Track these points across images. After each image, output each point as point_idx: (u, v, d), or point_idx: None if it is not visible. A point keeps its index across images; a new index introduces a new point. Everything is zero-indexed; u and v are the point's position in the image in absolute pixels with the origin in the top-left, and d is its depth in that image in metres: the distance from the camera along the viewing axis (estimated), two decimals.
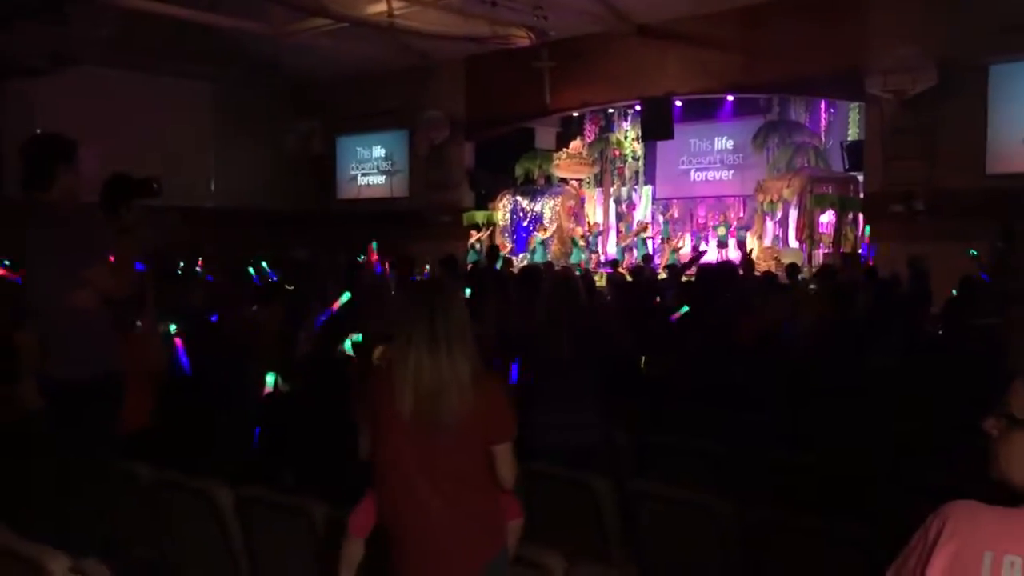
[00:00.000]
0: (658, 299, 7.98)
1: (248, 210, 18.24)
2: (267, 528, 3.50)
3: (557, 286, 5.00)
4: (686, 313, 5.83)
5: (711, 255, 16.97)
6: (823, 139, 17.02)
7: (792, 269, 11.25)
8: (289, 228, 17.92)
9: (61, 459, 3.51)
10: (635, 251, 17.22)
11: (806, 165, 16.18)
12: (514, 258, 17.16)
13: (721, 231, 16.87)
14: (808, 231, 14.98)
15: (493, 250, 12.18)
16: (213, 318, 6.61)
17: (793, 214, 15.55)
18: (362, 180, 20.01)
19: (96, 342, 3.55)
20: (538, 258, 16.22)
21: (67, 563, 2.62)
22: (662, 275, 12.64)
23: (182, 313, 5.94)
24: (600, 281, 12.42)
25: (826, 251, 14.82)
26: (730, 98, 16.92)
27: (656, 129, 15.66)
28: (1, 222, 3.95)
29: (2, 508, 2.99)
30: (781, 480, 3.96)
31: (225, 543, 3.55)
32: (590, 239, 17.49)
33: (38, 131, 14.82)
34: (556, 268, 12.20)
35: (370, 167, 19.85)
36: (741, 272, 8.24)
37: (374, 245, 11.19)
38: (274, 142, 19.16)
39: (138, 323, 4.62)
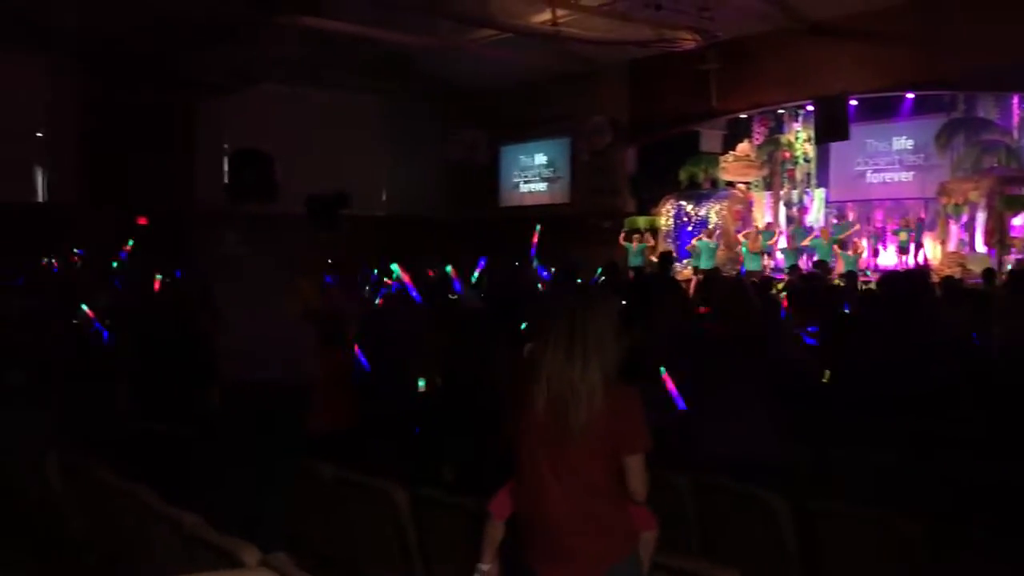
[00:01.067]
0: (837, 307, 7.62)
1: (416, 218, 18.86)
2: (440, 527, 3.58)
3: (727, 293, 4.88)
4: (870, 319, 5.53)
5: (890, 260, 16.14)
6: (1016, 137, 15.82)
7: (988, 274, 10.55)
8: (454, 235, 18.37)
9: (254, 458, 3.70)
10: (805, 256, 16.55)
11: (996, 165, 15.10)
12: (678, 264, 16.89)
13: (903, 236, 15.95)
14: (998, 235, 13.99)
15: (665, 256, 12.00)
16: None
17: (981, 217, 14.57)
18: (524, 187, 20.26)
19: (298, 349, 3.73)
20: (703, 264, 15.87)
21: (258, 556, 2.75)
22: (838, 282, 12.09)
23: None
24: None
25: (1019, 256, 13.78)
26: (910, 96, 16.02)
27: (831, 130, 15.02)
28: (202, 228, 4.21)
29: (199, 501, 3.19)
30: (974, 497, 3.70)
31: (400, 541, 3.65)
32: (761, 243, 16.88)
33: (225, 147, 15.90)
34: (725, 274, 11.92)
35: (533, 174, 20.06)
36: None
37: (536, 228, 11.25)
38: (440, 152, 19.73)
39: (341, 335, 4.86)
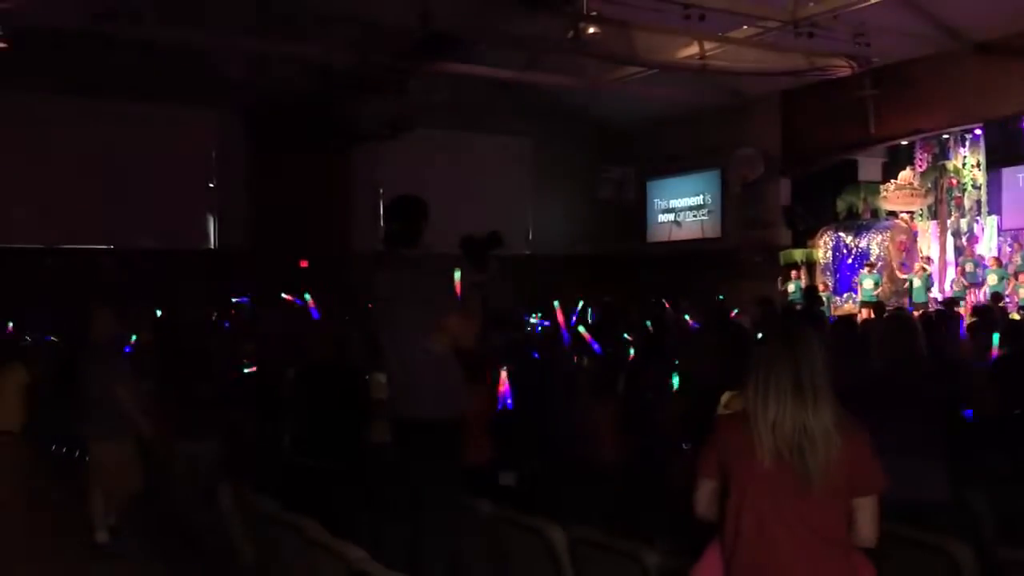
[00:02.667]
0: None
1: (563, 257, 18.95)
2: (597, 569, 3.52)
3: (890, 330, 4.64)
4: None
5: None
6: None
7: None
8: (602, 273, 18.34)
9: (414, 493, 3.78)
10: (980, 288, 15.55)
11: None
12: (837, 298, 16.21)
13: None
14: None
15: (811, 291, 11.57)
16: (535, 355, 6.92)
17: None
18: (673, 222, 20.01)
19: (448, 386, 3.82)
20: (867, 297, 15.17)
21: None
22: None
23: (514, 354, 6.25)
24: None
25: None
26: None
27: (1004, 154, 14.16)
28: (360, 270, 4.38)
29: (363, 538, 3.26)
30: None
31: None
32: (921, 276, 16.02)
33: (380, 192, 16.51)
34: (889, 309, 11.35)
35: (682, 208, 19.81)
36: None
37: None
38: (588, 190, 19.83)
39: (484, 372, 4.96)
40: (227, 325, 12.08)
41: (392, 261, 3.92)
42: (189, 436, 5.71)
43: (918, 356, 4.31)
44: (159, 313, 11.93)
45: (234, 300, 14.01)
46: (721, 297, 13.92)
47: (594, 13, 12.10)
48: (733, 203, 18.26)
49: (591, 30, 12.77)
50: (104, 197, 15.37)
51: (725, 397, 4.22)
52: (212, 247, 17.26)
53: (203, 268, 15.91)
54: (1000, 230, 17.13)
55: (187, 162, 16.57)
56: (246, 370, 7.82)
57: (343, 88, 15.32)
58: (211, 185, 17.16)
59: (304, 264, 16.65)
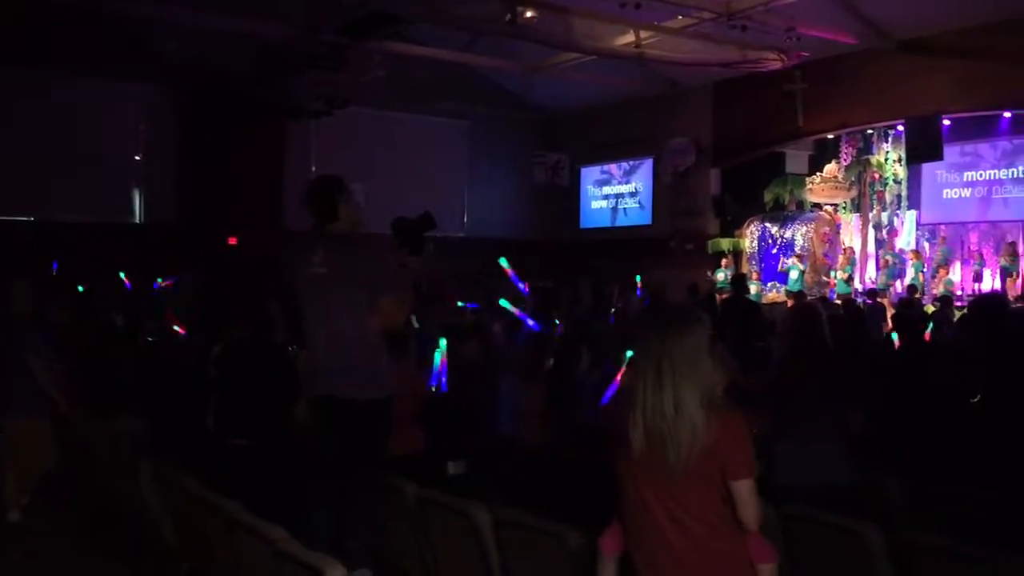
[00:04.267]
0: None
1: (496, 240, 18.96)
2: (523, 549, 3.56)
3: (798, 317, 4.79)
4: (967, 348, 5.34)
5: (989, 286, 15.57)
6: None
7: None
8: (535, 257, 18.42)
9: (339, 474, 3.76)
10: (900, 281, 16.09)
11: None
12: (762, 286, 16.58)
13: (1005, 261, 15.34)
14: None
15: (738, 278, 11.83)
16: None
17: None
18: (606, 209, 20.20)
19: (376, 367, 3.80)
20: (792, 287, 15.56)
21: (343, 572, 2.77)
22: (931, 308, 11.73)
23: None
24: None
25: None
26: (1007, 115, 15.46)
27: (923, 151, 14.58)
28: (289, 248, 4.31)
29: (285, 518, 3.24)
30: None
31: (483, 562, 3.64)
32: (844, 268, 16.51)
33: (313, 170, 16.31)
34: (806, 298, 11.66)
35: (614, 196, 20.01)
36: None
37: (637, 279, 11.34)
38: (522, 174, 19.86)
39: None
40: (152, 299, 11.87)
41: (323, 240, 3.87)
42: (110, 413, 5.59)
43: (823, 344, 4.43)
44: (80, 288, 11.61)
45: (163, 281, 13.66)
46: (639, 279, 14.11)
47: None
48: (664, 192, 18.50)
49: (528, 14, 12.76)
50: (26, 168, 14.81)
51: (623, 377, 4.31)
52: (137, 222, 16.83)
53: (127, 243, 15.48)
54: (919, 224, 17.73)
55: (113, 135, 16.08)
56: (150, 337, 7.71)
57: (278, 63, 15.04)
58: (137, 159, 16.71)
59: (233, 241, 16.35)
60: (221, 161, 16.11)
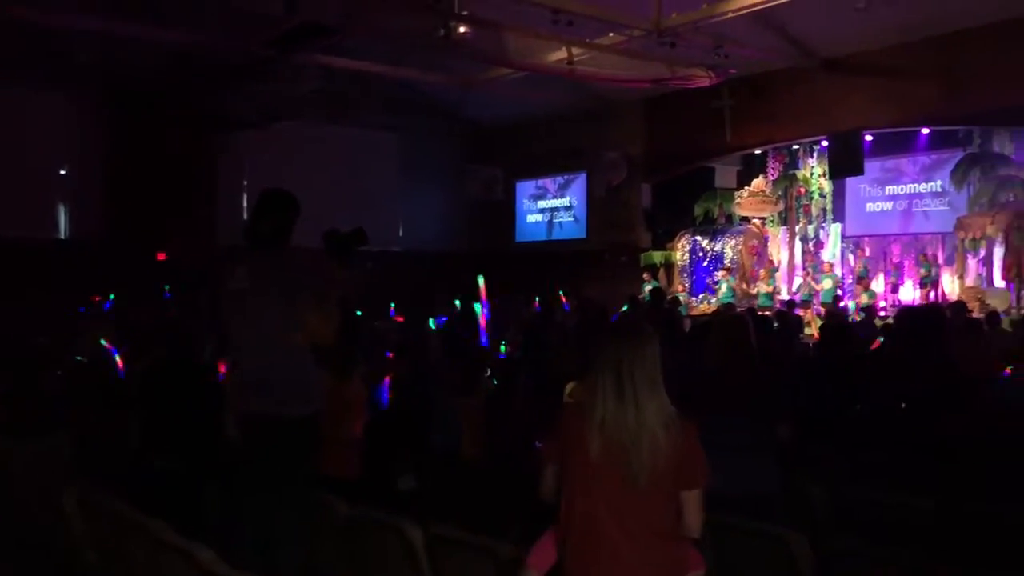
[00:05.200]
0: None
1: (432, 254, 18.95)
2: (455, 565, 3.55)
3: (725, 328, 4.85)
4: (889, 358, 5.50)
5: (911, 296, 16.08)
6: None
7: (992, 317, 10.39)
8: (471, 271, 18.41)
9: (265, 489, 3.71)
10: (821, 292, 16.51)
11: (1012, 199, 15.05)
12: (693, 299, 16.85)
13: (924, 272, 15.87)
14: (1016, 270, 13.87)
15: (657, 291, 12.03)
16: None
17: (998, 252, 14.48)
18: (541, 223, 20.34)
19: (304, 383, 3.76)
20: (724, 299, 15.85)
21: None
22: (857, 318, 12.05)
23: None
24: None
25: None
26: (925, 131, 16.03)
27: (845, 165, 15.02)
28: (218, 262, 4.24)
29: (210, 531, 3.19)
30: (1004, 539, 3.63)
31: None
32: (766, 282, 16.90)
33: (244, 184, 16.02)
34: (735, 310, 11.89)
35: (548, 210, 20.15)
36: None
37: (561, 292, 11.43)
38: (457, 188, 19.88)
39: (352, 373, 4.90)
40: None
41: (252, 254, 3.82)
42: (32, 432, 5.41)
43: (750, 354, 4.52)
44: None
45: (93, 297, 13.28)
46: (562, 292, 14.24)
47: (465, 13, 12.15)
48: (598, 205, 18.71)
49: (462, 29, 12.81)
50: None
51: (569, 387, 4.33)
52: (63, 237, 16.36)
53: (52, 259, 15.04)
54: (844, 237, 18.24)
55: (37, 148, 15.60)
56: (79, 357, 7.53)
57: (208, 75, 14.81)
58: (63, 172, 16.26)
59: (162, 257, 16.01)
60: (150, 174, 15.79)
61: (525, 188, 20.66)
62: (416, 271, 17.58)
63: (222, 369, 5.08)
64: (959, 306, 9.63)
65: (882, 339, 8.18)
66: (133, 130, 15.80)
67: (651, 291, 12.71)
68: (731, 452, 4.23)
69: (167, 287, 13.60)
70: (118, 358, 7.50)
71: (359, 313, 10.08)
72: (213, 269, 4.06)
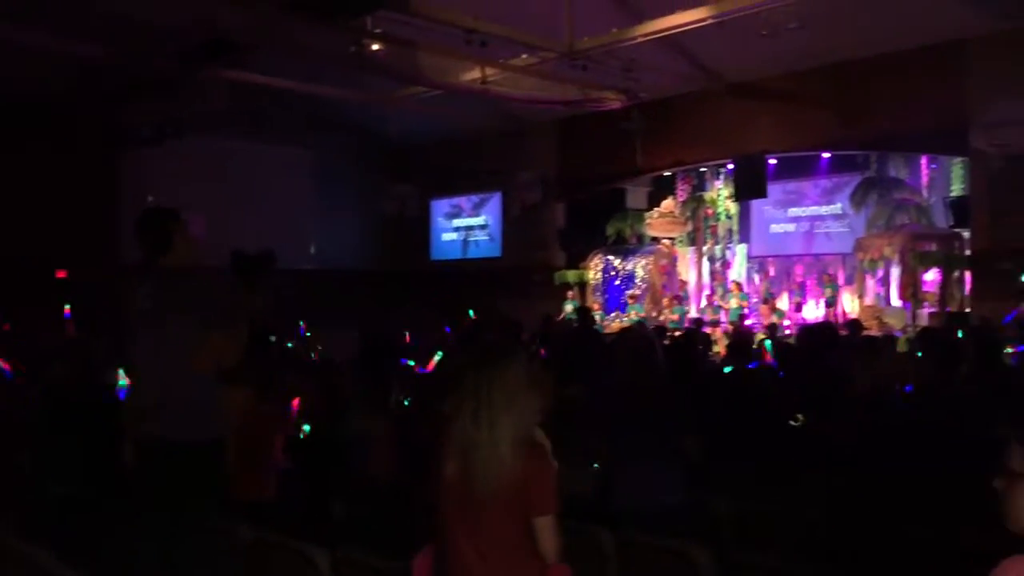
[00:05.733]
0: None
1: (346, 272, 18.75)
2: None
3: (633, 346, 4.94)
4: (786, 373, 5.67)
5: (817, 314, 16.61)
6: (925, 195, 16.55)
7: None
8: (385, 290, 18.32)
9: (164, 515, 3.61)
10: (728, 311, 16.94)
11: (907, 222, 15.74)
12: (607, 317, 17.08)
13: (828, 292, 16.44)
14: (912, 289, 14.49)
15: (583, 311, 12.15)
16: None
17: (895, 272, 15.10)
18: (456, 241, 20.36)
19: (208, 406, 3.67)
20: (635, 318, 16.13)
21: None
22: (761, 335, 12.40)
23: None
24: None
25: (931, 310, 14.29)
26: (826, 155, 16.66)
27: (749, 187, 15.48)
28: (120, 282, 4.12)
29: (113, 558, 3.09)
30: (895, 551, 3.78)
31: None
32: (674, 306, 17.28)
33: (150, 200, 15.65)
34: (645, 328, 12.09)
35: (464, 228, 20.19)
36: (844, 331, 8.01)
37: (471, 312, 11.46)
38: (371, 206, 19.75)
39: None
40: None
41: (157, 273, 3.73)
42: None
43: (657, 370, 4.60)
44: None
45: None
46: (471, 313, 14.31)
47: (378, 30, 12.12)
48: (513, 225, 18.83)
49: (375, 47, 12.77)
50: None
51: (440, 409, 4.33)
52: None
53: None
54: (749, 257, 18.80)
55: None
56: None
57: (114, 89, 14.39)
58: None
59: (61, 275, 15.42)
60: (45, 190, 15.21)
61: (440, 207, 20.65)
62: (329, 289, 17.36)
63: (122, 391, 4.93)
64: (855, 324, 10.00)
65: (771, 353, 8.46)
66: (30, 144, 15.22)
67: (579, 310, 12.81)
68: (639, 466, 4.31)
69: (67, 306, 13.09)
70: (13, 379, 7.20)
71: (272, 337, 9.92)
72: (115, 288, 3.94)
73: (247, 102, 15.69)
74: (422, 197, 20.24)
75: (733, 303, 16.69)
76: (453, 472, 2.67)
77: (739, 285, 17.30)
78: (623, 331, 5.84)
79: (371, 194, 19.75)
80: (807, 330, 7.15)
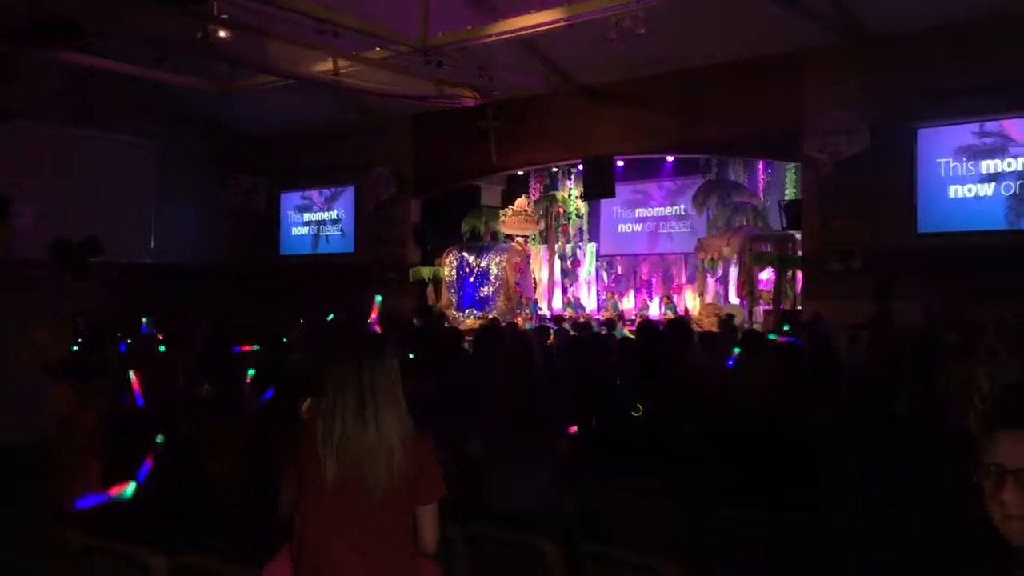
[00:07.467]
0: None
1: (188, 267, 18.01)
2: None
3: (513, 346, 4.96)
4: (632, 367, 5.84)
5: (657, 311, 17.22)
6: (761, 198, 17.45)
7: (728, 321, 11.40)
8: (231, 284, 17.72)
9: None
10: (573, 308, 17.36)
11: (745, 224, 16.54)
12: (460, 314, 17.15)
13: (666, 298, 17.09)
14: (748, 288, 15.26)
15: (423, 308, 12.18)
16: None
17: (733, 272, 15.84)
18: (307, 236, 19.91)
19: (35, 404, 3.44)
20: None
21: None
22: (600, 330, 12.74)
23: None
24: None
25: (766, 308, 15.10)
26: (670, 158, 17.29)
27: (597, 188, 15.88)
28: None
29: None
30: (732, 537, 3.97)
31: None
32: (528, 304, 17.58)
33: None
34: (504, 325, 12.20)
35: (316, 223, 19.77)
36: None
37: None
38: (216, 198, 19.03)
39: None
40: None
41: None
42: None
43: (532, 370, 4.64)
44: None
45: None
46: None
47: (225, 16, 11.69)
48: (367, 220, 18.59)
49: (222, 33, 12.32)
50: None
51: (306, 404, 4.25)
52: None
53: None
54: (598, 255, 19.32)
55: None
56: None
57: None
58: None
59: None
60: None
61: (290, 200, 20.11)
62: (169, 285, 16.64)
63: None
64: (678, 322, 10.39)
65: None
66: None
67: (419, 307, 12.77)
68: (514, 467, 4.32)
69: None
70: None
71: (118, 333, 9.43)
72: None
73: (86, 88, 14.82)
74: (272, 189, 19.67)
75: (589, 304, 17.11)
76: (333, 471, 2.59)
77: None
78: (484, 329, 5.87)
79: (217, 187, 19.01)
80: (644, 326, 7.38)
